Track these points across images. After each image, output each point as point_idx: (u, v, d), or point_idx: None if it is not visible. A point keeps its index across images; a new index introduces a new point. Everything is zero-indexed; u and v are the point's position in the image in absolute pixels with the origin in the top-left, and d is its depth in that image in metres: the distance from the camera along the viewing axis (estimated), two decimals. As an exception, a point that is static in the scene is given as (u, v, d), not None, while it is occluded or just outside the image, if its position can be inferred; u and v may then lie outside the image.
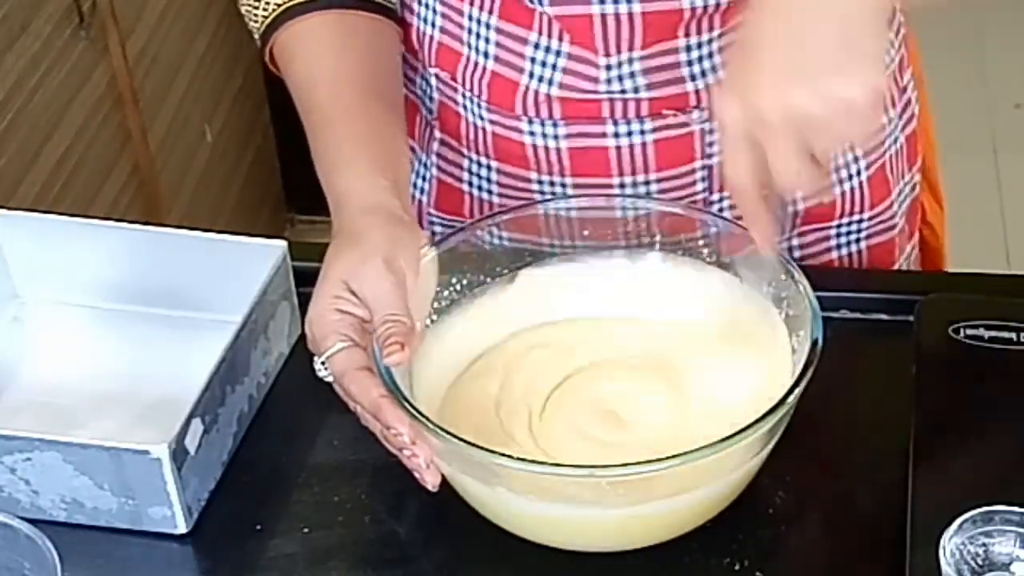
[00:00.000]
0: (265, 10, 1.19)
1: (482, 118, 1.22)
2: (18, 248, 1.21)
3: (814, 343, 1.00)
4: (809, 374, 0.98)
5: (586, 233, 1.14)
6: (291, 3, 1.18)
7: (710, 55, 1.16)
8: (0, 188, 1.89)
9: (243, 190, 2.71)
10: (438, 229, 1.30)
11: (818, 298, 1.04)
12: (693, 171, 1.21)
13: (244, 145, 2.71)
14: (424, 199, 1.31)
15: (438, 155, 1.28)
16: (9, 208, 1.23)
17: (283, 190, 2.89)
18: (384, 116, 1.15)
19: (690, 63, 1.16)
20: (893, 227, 1.31)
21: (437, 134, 1.27)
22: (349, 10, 1.18)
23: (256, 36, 1.21)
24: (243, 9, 1.22)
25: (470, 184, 1.27)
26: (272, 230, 2.70)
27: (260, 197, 2.80)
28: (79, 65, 2.09)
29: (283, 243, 1.15)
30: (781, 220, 1.01)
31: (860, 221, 1.28)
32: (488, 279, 1.13)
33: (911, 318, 1.13)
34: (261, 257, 1.14)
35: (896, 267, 1.33)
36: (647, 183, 1.21)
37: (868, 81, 0.93)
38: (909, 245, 1.35)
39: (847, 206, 1.27)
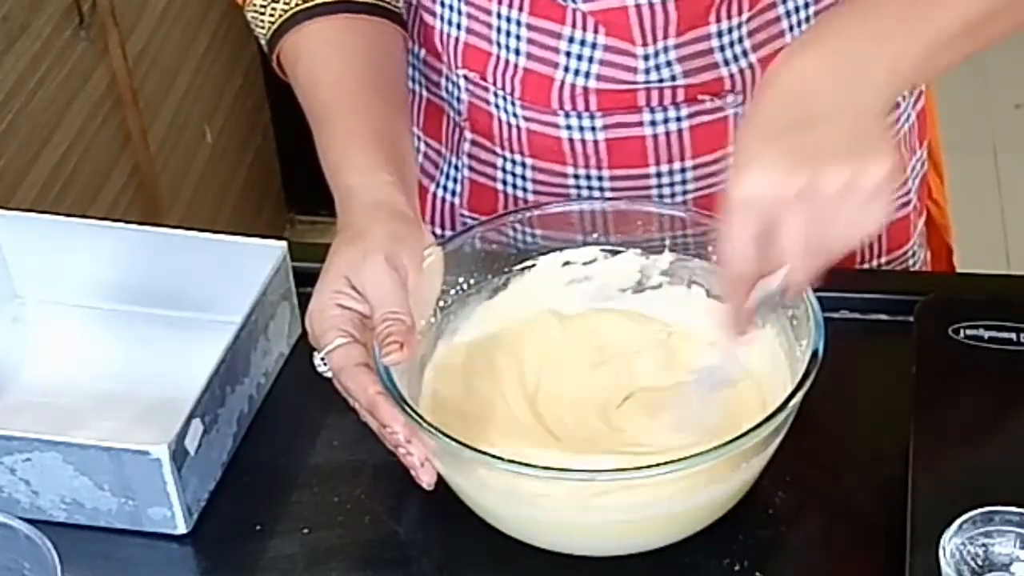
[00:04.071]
0: (271, 15, 1.19)
1: (516, 115, 1.22)
2: (18, 248, 1.21)
3: (814, 353, 1.00)
4: (808, 384, 0.98)
5: (595, 235, 1.14)
6: (296, 9, 1.18)
7: (740, 39, 1.17)
8: (0, 188, 1.89)
9: (243, 190, 2.71)
10: None
11: (818, 298, 1.04)
12: (727, 156, 1.21)
13: (244, 145, 2.71)
14: (456, 201, 1.31)
15: (469, 155, 1.28)
16: (9, 208, 1.23)
17: (283, 190, 2.89)
18: (388, 114, 1.15)
19: (722, 48, 1.17)
20: (908, 203, 1.32)
21: (468, 135, 1.27)
22: (353, 15, 1.18)
23: (263, 43, 1.21)
24: (249, 16, 1.22)
25: (504, 183, 1.27)
26: (272, 230, 2.70)
27: (260, 197, 2.80)
28: (79, 65, 2.09)
29: (283, 243, 1.15)
30: (763, 309, 0.98)
31: None
32: (492, 278, 1.13)
33: (911, 318, 1.13)
34: (261, 257, 1.14)
35: (911, 243, 1.33)
36: (683, 170, 1.21)
37: (883, 165, 0.93)
38: (920, 221, 1.36)
39: None
